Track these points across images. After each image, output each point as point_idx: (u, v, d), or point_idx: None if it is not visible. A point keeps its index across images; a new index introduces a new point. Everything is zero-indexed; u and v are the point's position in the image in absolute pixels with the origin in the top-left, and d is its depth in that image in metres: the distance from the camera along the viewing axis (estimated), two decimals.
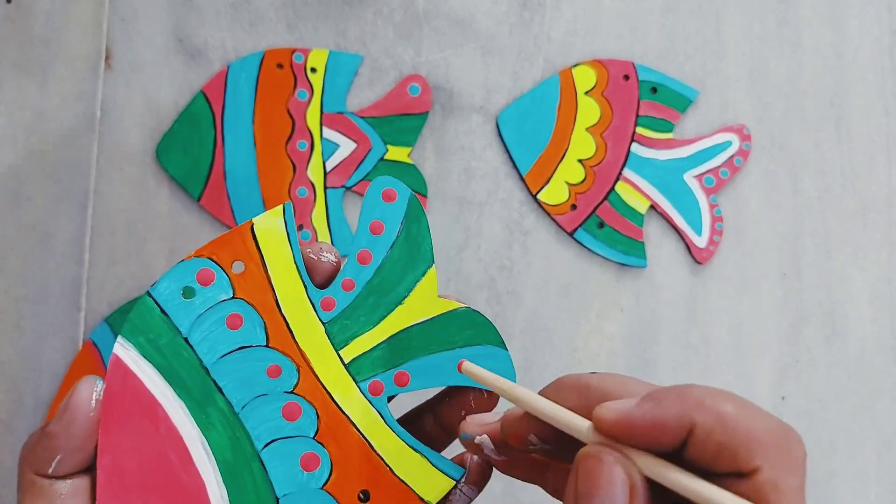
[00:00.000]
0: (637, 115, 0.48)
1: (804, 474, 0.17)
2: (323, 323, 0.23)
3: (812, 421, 0.49)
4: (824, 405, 0.49)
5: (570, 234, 0.47)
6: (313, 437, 0.22)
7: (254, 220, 0.23)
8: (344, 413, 0.23)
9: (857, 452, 0.49)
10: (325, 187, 0.43)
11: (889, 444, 0.50)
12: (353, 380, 0.23)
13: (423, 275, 0.24)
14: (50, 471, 0.21)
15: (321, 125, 0.43)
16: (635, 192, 0.47)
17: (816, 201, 0.51)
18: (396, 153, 0.44)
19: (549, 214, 0.47)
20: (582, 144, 0.47)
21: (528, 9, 0.48)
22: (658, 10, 0.49)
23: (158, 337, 0.22)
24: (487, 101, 0.47)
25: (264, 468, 0.22)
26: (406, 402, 0.26)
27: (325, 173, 0.43)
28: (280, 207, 0.23)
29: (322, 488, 0.22)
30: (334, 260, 0.24)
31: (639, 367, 0.47)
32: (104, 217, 0.42)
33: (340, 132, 0.43)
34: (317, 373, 0.23)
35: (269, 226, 0.23)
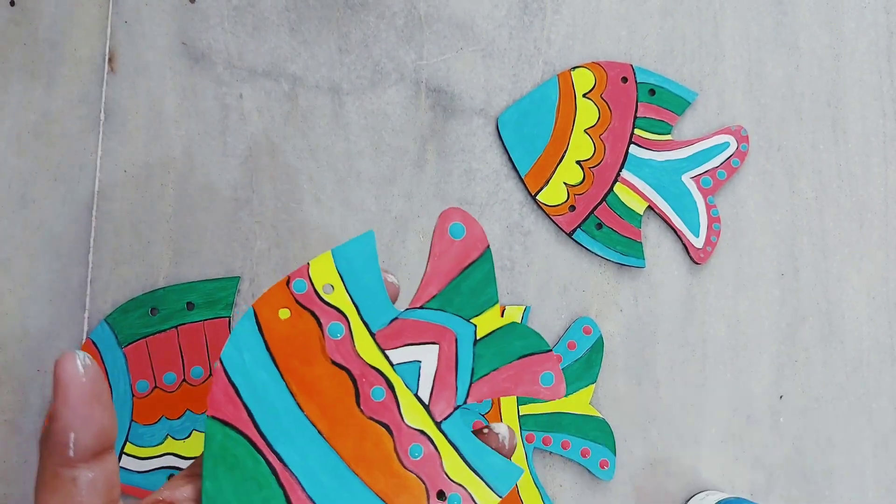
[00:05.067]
0: (635, 117, 0.48)
1: None
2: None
3: (809, 419, 0.49)
4: (821, 404, 0.50)
5: (569, 235, 0.47)
6: None
7: None
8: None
9: (855, 451, 0.50)
10: (439, 427, 0.29)
11: (886, 443, 0.50)
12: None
13: (586, 386, 0.45)
14: (71, 453, 0.20)
15: (383, 352, 0.29)
16: (633, 193, 0.48)
17: (813, 202, 0.51)
18: (487, 321, 0.31)
19: (548, 215, 0.47)
20: (580, 146, 0.47)
21: (528, 12, 0.48)
22: (656, 13, 0.50)
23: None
24: (488, 103, 0.47)
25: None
26: None
27: (427, 408, 0.29)
28: None
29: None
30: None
31: (637, 367, 0.47)
32: (108, 218, 0.43)
33: (409, 344, 0.30)
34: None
35: None
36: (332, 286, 0.26)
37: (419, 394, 0.27)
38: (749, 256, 0.50)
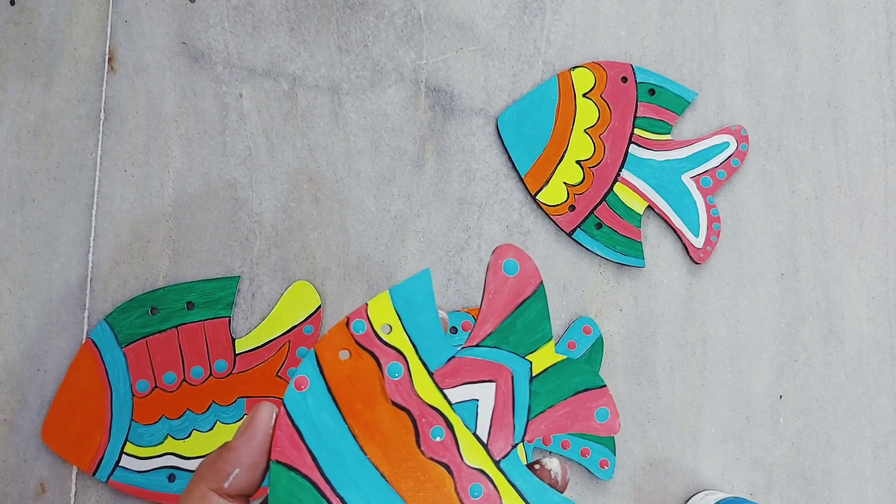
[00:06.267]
0: (635, 117, 0.48)
1: None
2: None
3: (809, 420, 0.49)
4: (821, 404, 0.50)
5: (569, 235, 0.47)
6: None
7: None
8: None
9: (854, 451, 0.50)
10: (498, 466, 0.30)
11: (886, 443, 0.50)
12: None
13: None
14: (226, 485, 0.23)
15: (441, 391, 0.30)
16: (633, 193, 0.48)
17: (813, 202, 0.51)
18: (542, 358, 0.31)
19: (548, 215, 0.47)
20: (580, 146, 0.47)
21: (528, 12, 0.48)
22: (656, 13, 0.50)
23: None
24: (487, 103, 0.47)
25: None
26: None
27: (485, 447, 0.30)
28: None
29: None
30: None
31: (637, 366, 0.47)
32: (108, 218, 0.43)
33: (467, 382, 0.30)
34: None
35: None
36: (391, 326, 0.26)
37: (477, 432, 0.27)
38: (749, 256, 0.50)
